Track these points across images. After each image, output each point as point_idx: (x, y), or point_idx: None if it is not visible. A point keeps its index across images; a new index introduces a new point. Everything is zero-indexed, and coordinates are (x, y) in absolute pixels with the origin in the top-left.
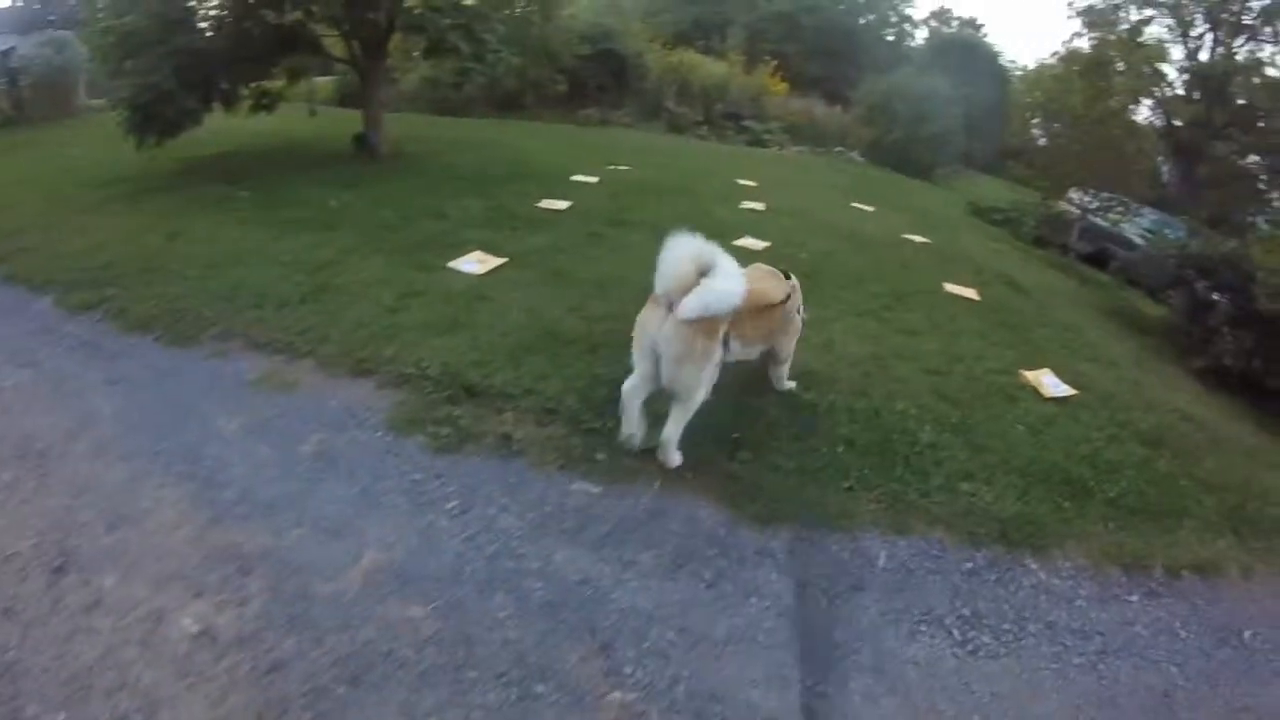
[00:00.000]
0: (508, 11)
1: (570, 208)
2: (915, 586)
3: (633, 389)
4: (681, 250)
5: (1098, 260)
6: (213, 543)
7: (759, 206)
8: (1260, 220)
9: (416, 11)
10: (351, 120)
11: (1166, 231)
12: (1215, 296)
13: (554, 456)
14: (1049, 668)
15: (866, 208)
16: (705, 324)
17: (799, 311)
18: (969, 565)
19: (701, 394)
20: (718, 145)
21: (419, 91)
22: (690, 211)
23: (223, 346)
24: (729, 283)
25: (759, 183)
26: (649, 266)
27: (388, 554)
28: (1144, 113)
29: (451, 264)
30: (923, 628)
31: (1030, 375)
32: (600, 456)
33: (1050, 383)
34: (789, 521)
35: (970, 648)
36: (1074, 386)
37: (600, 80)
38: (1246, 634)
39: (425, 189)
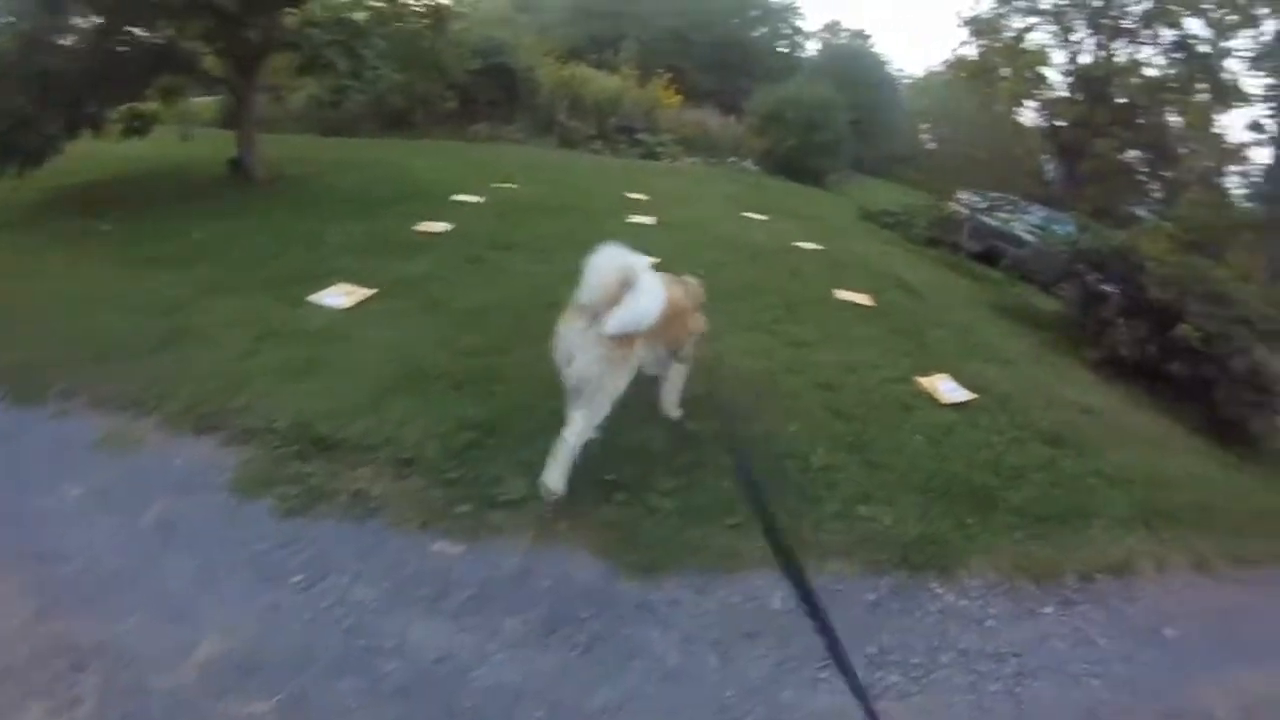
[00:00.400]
0: (399, 24)
1: (451, 230)
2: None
3: (574, 436)
4: (608, 262)
5: (988, 258)
6: (46, 633)
7: (649, 221)
8: (1141, 210)
9: (295, 28)
10: (232, 143)
11: (1055, 227)
12: (1107, 288)
13: (413, 513)
14: (964, 700)
15: (758, 217)
16: (622, 340)
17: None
18: (871, 597)
19: (608, 402)
20: (610, 159)
21: (306, 111)
22: (578, 229)
23: (67, 405)
24: (649, 300)
25: (650, 196)
26: (529, 290)
27: (228, 639)
28: (1028, 115)
29: (314, 298)
30: (824, 675)
31: (926, 381)
32: (463, 510)
33: (947, 388)
34: (672, 569)
35: (878, 690)
36: (971, 389)
37: (491, 95)
38: (1167, 631)
39: (301, 214)
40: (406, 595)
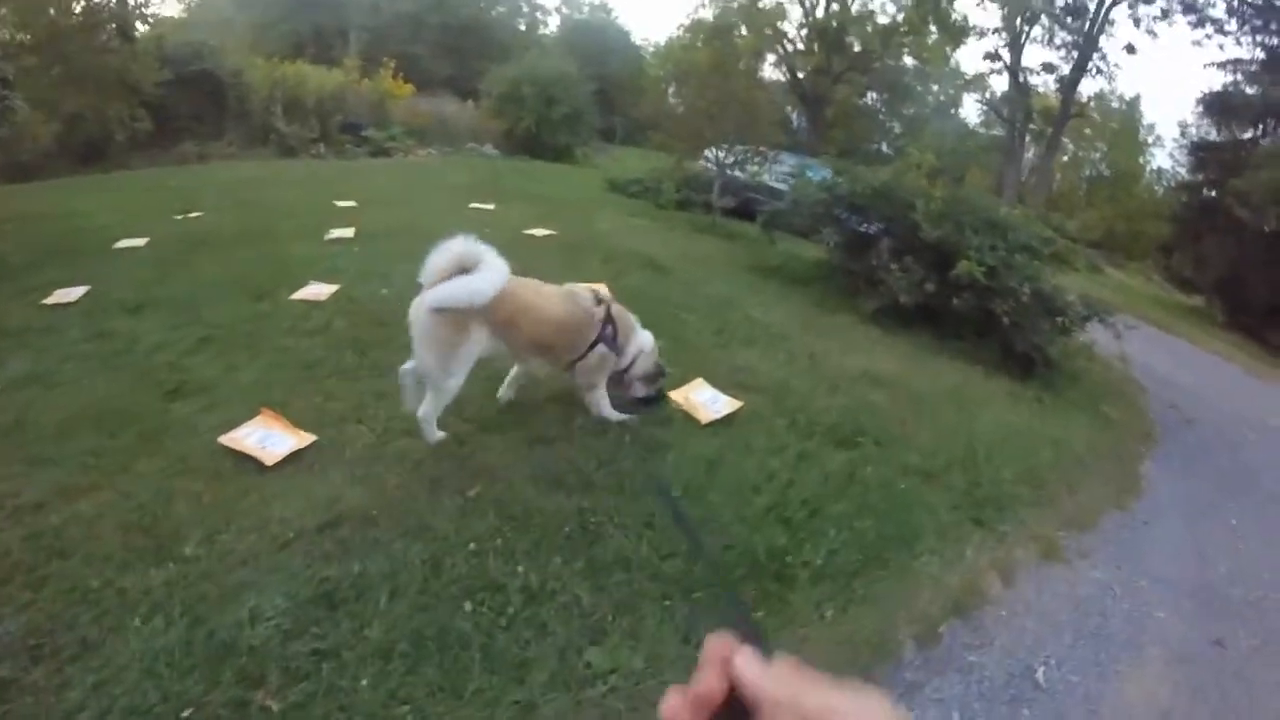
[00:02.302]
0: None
1: (86, 295)
2: None
3: (407, 369)
4: (448, 246)
5: (743, 213)
6: None
7: (348, 233)
8: (884, 147)
9: None
10: None
11: (809, 173)
12: (870, 228)
13: None
14: None
15: (487, 206)
16: (452, 316)
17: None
18: None
19: (448, 383)
20: (335, 163)
21: None
22: (260, 258)
23: None
24: (479, 281)
25: (360, 202)
26: (146, 373)
27: None
28: (769, 69)
29: None
30: None
31: (681, 396)
32: None
33: (706, 400)
34: None
35: None
36: (738, 390)
37: (194, 109)
38: (1039, 672)
39: None
40: None
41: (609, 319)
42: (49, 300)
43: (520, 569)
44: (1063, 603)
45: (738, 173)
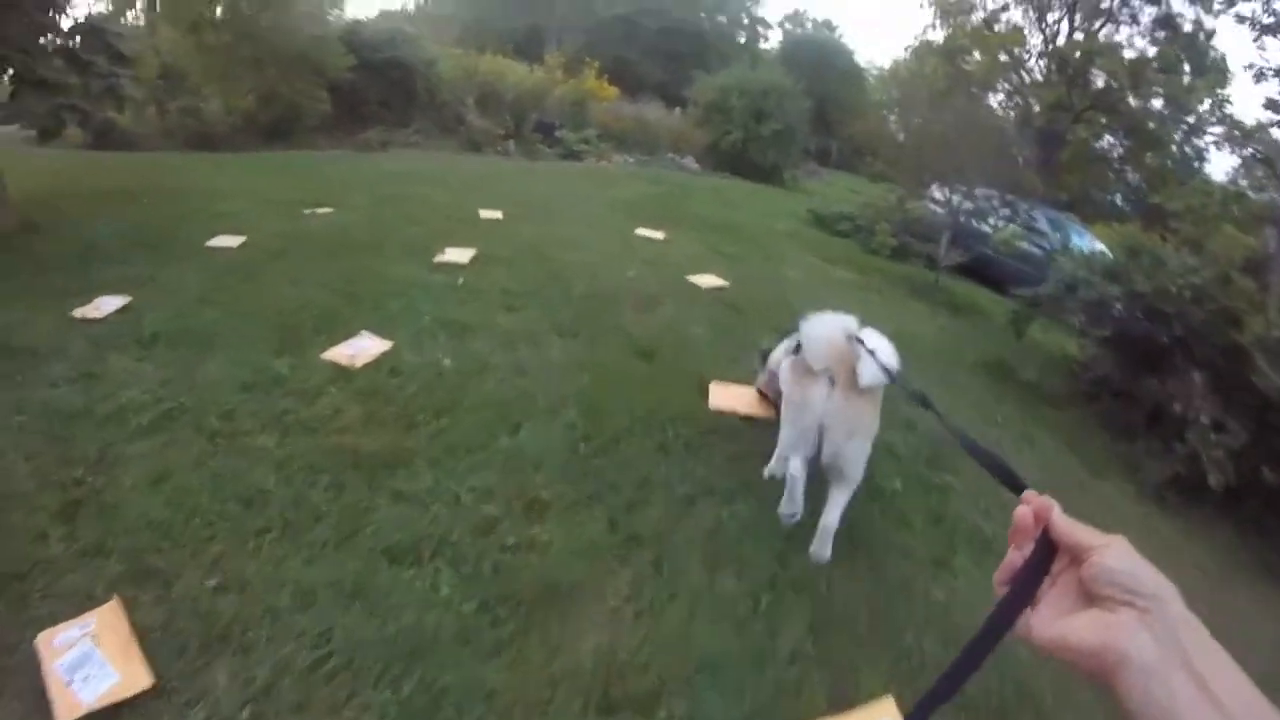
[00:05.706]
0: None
1: (119, 311)
2: None
3: (800, 469)
4: (828, 323)
5: (974, 273)
6: None
7: (464, 256)
8: (1117, 198)
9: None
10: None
11: (1076, 241)
12: (1161, 334)
13: None
14: None
15: (656, 235)
16: (871, 395)
17: None
18: None
19: (863, 471)
20: (516, 163)
21: (179, 124)
22: (342, 280)
23: None
24: (888, 349)
25: (508, 212)
26: (84, 459)
27: None
28: (999, 100)
29: None
30: None
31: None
32: None
33: None
34: None
35: None
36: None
37: (383, 95)
38: None
39: None
40: None
41: None
42: (80, 312)
43: None
44: None
45: (978, 224)
